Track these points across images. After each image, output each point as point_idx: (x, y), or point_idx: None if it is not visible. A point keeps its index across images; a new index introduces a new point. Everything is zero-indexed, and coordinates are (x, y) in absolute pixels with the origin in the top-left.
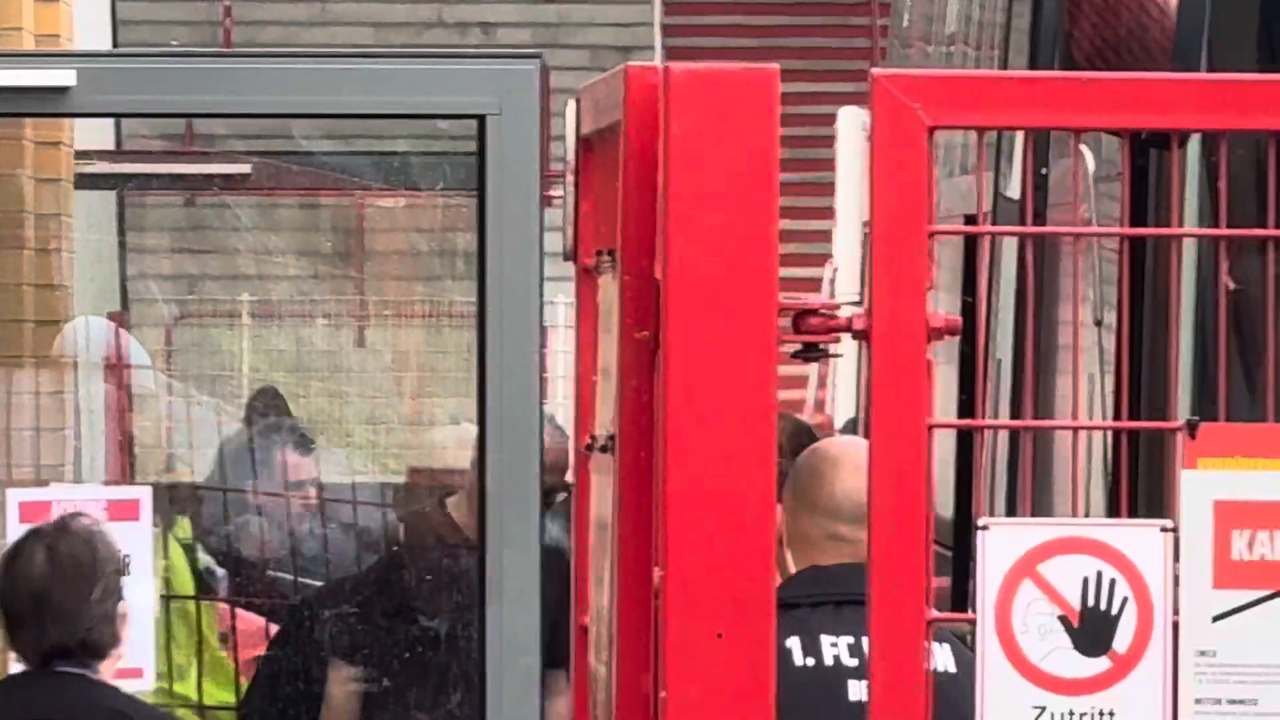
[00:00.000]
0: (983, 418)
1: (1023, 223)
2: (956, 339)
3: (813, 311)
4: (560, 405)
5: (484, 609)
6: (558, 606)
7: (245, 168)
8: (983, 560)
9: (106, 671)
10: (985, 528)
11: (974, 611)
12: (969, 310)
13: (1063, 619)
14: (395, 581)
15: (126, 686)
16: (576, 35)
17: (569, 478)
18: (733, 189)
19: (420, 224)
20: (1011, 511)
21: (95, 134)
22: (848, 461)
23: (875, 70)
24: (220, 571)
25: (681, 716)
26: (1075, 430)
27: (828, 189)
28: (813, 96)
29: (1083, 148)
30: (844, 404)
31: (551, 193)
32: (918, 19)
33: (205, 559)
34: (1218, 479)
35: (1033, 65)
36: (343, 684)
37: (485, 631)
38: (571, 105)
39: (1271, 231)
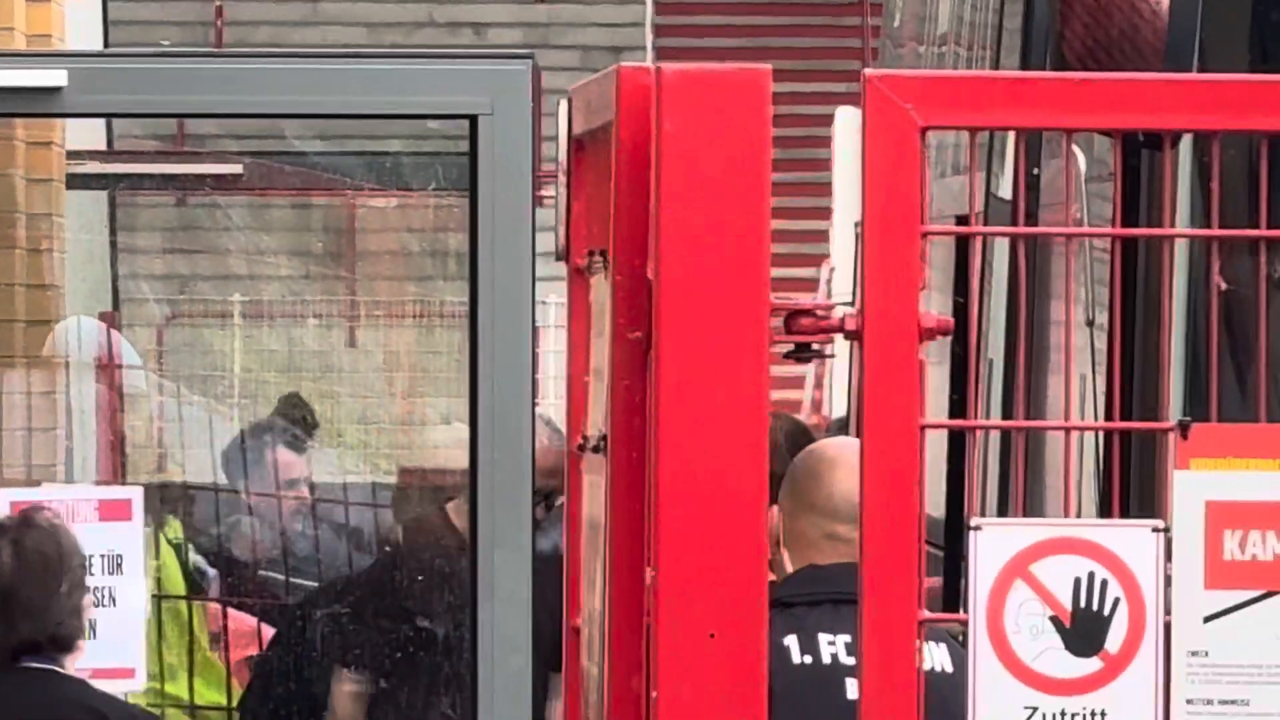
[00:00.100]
0: (975, 418)
1: (1015, 223)
2: (948, 339)
3: (805, 312)
4: (552, 406)
5: (475, 609)
6: (562, 610)
7: (237, 168)
8: (975, 560)
9: (71, 666)
10: (977, 528)
11: (966, 612)
12: (961, 310)
13: (1054, 619)
14: (395, 586)
15: (118, 686)
16: (567, 35)
17: None
18: (725, 189)
19: (412, 224)
20: (1003, 512)
21: (87, 134)
22: (844, 462)
23: (868, 70)
24: (211, 571)
25: (673, 716)
26: (1067, 431)
27: (819, 189)
28: (804, 97)
29: (1074, 148)
30: (840, 404)
31: (543, 193)
32: (909, 19)
33: (196, 559)
34: (1209, 479)
35: (1024, 65)
36: (347, 691)
37: (477, 631)
38: (563, 105)
39: (1263, 232)
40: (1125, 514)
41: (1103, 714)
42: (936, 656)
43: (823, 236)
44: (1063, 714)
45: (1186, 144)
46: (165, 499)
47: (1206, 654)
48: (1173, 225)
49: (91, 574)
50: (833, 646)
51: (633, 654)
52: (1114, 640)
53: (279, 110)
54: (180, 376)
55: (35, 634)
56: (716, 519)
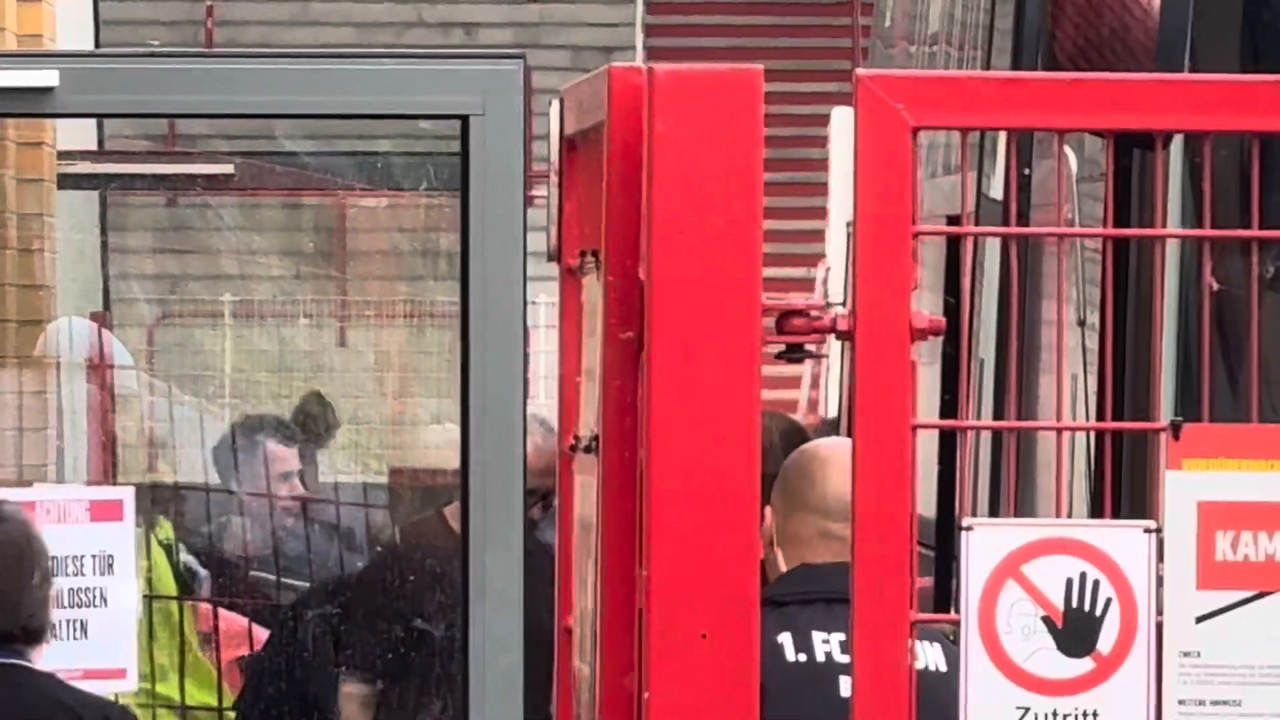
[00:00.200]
0: (966, 418)
1: (1006, 223)
2: (939, 339)
3: (797, 312)
4: (543, 406)
5: (467, 609)
6: None
7: (228, 168)
8: (967, 561)
9: (37, 659)
10: (969, 528)
11: (957, 612)
12: (952, 310)
13: (1046, 620)
14: (391, 588)
15: (110, 687)
16: (558, 35)
17: None
18: (717, 189)
19: (403, 224)
20: (995, 512)
21: (78, 134)
22: (837, 460)
23: (860, 70)
24: (203, 572)
25: (665, 717)
26: (1059, 431)
27: (810, 189)
28: (794, 96)
29: (1065, 148)
30: (835, 404)
31: (534, 193)
32: (900, 18)
33: (187, 559)
34: (1201, 480)
35: (1016, 65)
36: (352, 694)
37: (468, 631)
38: (555, 105)
39: (1254, 232)
40: (1117, 514)
41: (1094, 714)
42: (930, 656)
43: (814, 236)
44: (1054, 714)
45: (1178, 144)
46: (156, 499)
47: (1198, 654)
48: (1164, 225)
49: (83, 574)
50: (827, 645)
51: (625, 654)
52: (1106, 641)
53: (270, 110)
54: (171, 376)
55: (8, 626)
56: (708, 519)
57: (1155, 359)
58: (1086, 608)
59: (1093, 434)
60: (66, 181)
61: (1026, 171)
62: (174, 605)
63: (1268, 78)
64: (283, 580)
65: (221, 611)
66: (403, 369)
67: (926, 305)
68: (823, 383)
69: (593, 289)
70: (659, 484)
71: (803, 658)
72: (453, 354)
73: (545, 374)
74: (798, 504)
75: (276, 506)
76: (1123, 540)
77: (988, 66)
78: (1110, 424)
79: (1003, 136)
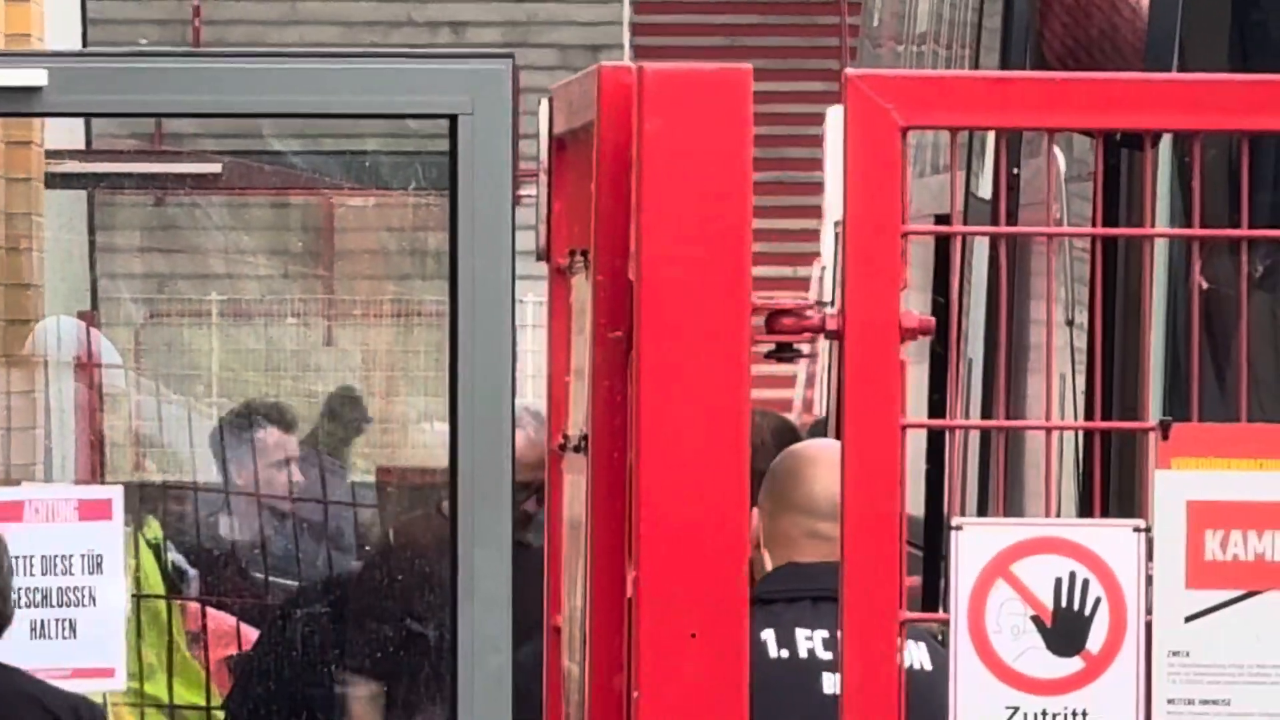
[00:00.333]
0: (955, 418)
1: (995, 223)
2: (928, 338)
3: (786, 311)
4: (533, 401)
5: (455, 608)
6: None
7: (215, 167)
8: (956, 560)
9: None
10: (958, 528)
11: (946, 611)
12: (941, 310)
13: (1036, 619)
14: (382, 587)
15: (98, 686)
16: (546, 34)
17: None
18: (706, 189)
19: (390, 223)
20: (984, 511)
21: (65, 133)
22: (824, 460)
23: (849, 70)
24: (192, 571)
25: (655, 717)
26: (1048, 430)
27: (797, 188)
28: (782, 95)
29: (1054, 147)
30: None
31: (523, 192)
32: (888, 18)
33: (175, 558)
34: (1190, 479)
35: (1004, 65)
36: (361, 696)
37: (457, 630)
38: (544, 105)
39: (1243, 232)
40: (1106, 514)
41: (1084, 714)
42: (916, 655)
43: (802, 236)
44: (1044, 714)
45: (1166, 144)
46: (144, 498)
47: (1188, 654)
48: (1153, 225)
49: (71, 574)
50: (810, 641)
51: (614, 654)
52: (1095, 640)
53: (258, 110)
54: (159, 375)
55: None
56: (698, 519)
57: (1144, 358)
58: (1076, 607)
59: (1082, 433)
60: (54, 181)
61: (1015, 171)
62: (162, 604)
63: (1256, 77)
64: (271, 579)
65: (210, 610)
66: (390, 368)
67: (915, 304)
68: (818, 381)
69: (582, 288)
70: (648, 483)
71: (785, 654)
72: (441, 353)
73: (533, 373)
74: (785, 504)
75: (265, 505)
76: (1112, 540)
77: (976, 66)
78: (1099, 424)
79: (991, 136)
